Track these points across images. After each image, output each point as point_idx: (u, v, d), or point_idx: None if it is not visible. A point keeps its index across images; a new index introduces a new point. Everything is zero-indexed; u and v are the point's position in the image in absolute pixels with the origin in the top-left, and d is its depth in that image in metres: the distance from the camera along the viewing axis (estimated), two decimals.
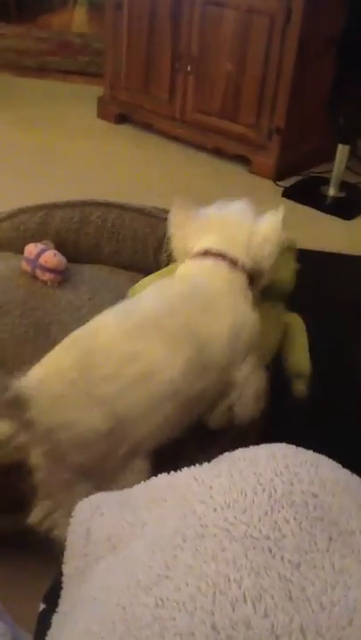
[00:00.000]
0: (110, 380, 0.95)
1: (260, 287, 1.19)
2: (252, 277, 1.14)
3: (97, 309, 1.35)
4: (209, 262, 1.10)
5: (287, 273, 1.41)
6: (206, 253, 1.11)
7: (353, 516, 0.58)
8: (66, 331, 1.29)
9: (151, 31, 2.95)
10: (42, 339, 1.29)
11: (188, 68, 2.88)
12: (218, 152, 2.90)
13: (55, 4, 4.42)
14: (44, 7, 4.33)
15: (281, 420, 1.34)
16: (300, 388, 1.35)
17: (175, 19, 2.84)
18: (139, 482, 0.94)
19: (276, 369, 1.32)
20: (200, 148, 2.98)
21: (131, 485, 0.92)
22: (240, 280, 1.10)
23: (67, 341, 1.02)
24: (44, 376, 0.96)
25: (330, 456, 0.66)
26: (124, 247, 1.56)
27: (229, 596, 0.52)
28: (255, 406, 1.11)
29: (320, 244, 2.30)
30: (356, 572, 0.55)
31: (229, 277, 1.09)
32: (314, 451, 0.66)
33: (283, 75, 2.61)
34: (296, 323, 1.42)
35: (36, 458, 0.94)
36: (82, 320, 1.32)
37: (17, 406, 0.88)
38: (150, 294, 1.11)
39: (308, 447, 0.66)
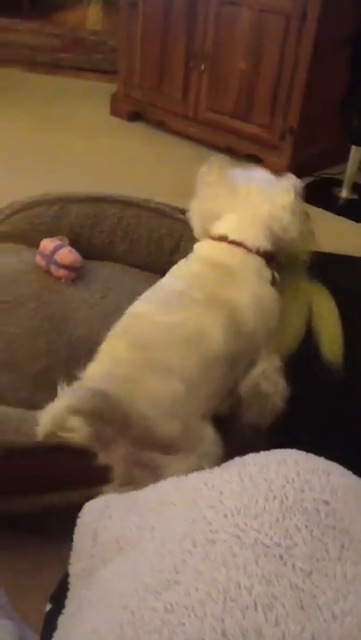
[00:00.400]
0: (166, 348, 1.02)
1: (286, 257, 1.24)
2: (273, 255, 1.19)
3: (110, 308, 1.35)
4: (225, 246, 1.17)
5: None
6: (223, 239, 1.18)
7: None
8: (81, 327, 1.30)
9: (166, 29, 2.94)
10: (56, 333, 1.29)
11: (202, 67, 2.87)
12: (230, 151, 2.88)
13: (69, 0, 4.43)
14: (57, 3, 4.33)
15: (289, 423, 1.33)
16: (336, 367, 1.36)
17: (190, 17, 2.83)
18: (213, 449, 1.01)
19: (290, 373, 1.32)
20: (212, 146, 2.97)
21: (208, 454, 0.99)
22: (255, 262, 1.17)
23: (111, 335, 1.07)
24: (110, 369, 1.01)
25: (335, 460, 0.65)
26: (138, 247, 1.55)
27: (240, 602, 0.51)
28: (275, 387, 1.17)
29: (331, 246, 2.27)
30: None
31: (245, 259, 1.16)
32: (317, 454, 0.65)
33: (297, 75, 2.59)
34: (321, 298, 1.37)
35: (117, 445, 0.96)
36: (95, 318, 1.32)
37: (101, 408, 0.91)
38: (170, 277, 1.18)
39: (313, 451, 0.65)
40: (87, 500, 0.71)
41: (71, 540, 0.68)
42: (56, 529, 0.92)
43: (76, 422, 0.95)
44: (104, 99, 3.38)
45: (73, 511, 0.69)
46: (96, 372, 1.00)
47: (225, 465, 0.65)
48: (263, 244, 1.17)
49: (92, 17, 4.31)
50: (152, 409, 0.96)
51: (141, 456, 0.97)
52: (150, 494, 0.66)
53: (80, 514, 0.68)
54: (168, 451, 0.97)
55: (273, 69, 2.65)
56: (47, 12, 4.17)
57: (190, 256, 1.21)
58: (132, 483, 0.96)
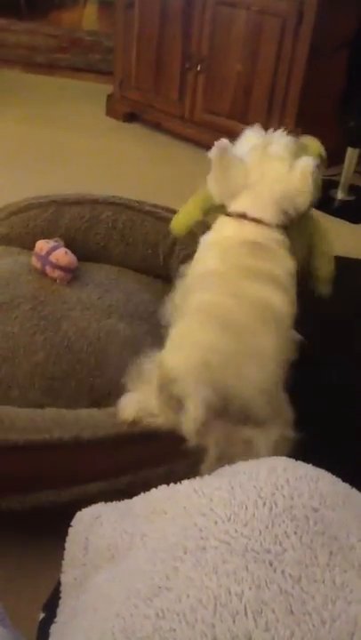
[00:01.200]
0: (253, 329, 1.09)
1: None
2: (286, 225, 1.26)
3: (107, 309, 1.36)
4: (246, 223, 1.23)
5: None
6: (243, 216, 1.23)
7: (353, 531, 0.58)
8: (78, 325, 1.31)
9: (162, 30, 2.95)
10: (52, 331, 1.29)
11: (199, 68, 2.87)
12: None
13: (66, 0, 4.42)
14: (54, 4, 4.33)
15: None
16: (323, 291, 1.41)
17: (186, 18, 2.83)
18: (291, 413, 1.09)
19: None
20: (209, 148, 2.97)
21: (288, 419, 1.07)
22: (278, 236, 1.23)
23: (189, 322, 1.13)
24: (206, 358, 1.05)
25: (330, 465, 0.66)
26: (133, 250, 1.55)
27: (230, 608, 0.52)
28: None
29: None
30: (356, 587, 0.55)
31: (269, 236, 1.22)
32: (314, 460, 0.66)
33: (293, 77, 2.60)
34: (318, 230, 1.43)
35: (212, 427, 1.01)
36: (93, 318, 1.33)
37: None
38: (212, 260, 1.22)
39: (307, 456, 0.66)
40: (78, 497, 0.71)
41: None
42: (51, 532, 0.93)
43: (157, 408, 1.04)
44: (101, 99, 3.38)
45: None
46: (186, 362, 1.06)
47: (215, 473, 0.66)
48: (279, 218, 1.23)
49: (89, 17, 4.30)
50: (251, 392, 1.03)
51: (234, 434, 1.03)
52: (142, 502, 0.66)
53: (72, 522, 0.68)
54: (258, 424, 1.04)
55: (269, 71, 2.65)
56: (44, 13, 4.17)
57: (215, 236, 1.26)
58: (225, 459, 1.01)
